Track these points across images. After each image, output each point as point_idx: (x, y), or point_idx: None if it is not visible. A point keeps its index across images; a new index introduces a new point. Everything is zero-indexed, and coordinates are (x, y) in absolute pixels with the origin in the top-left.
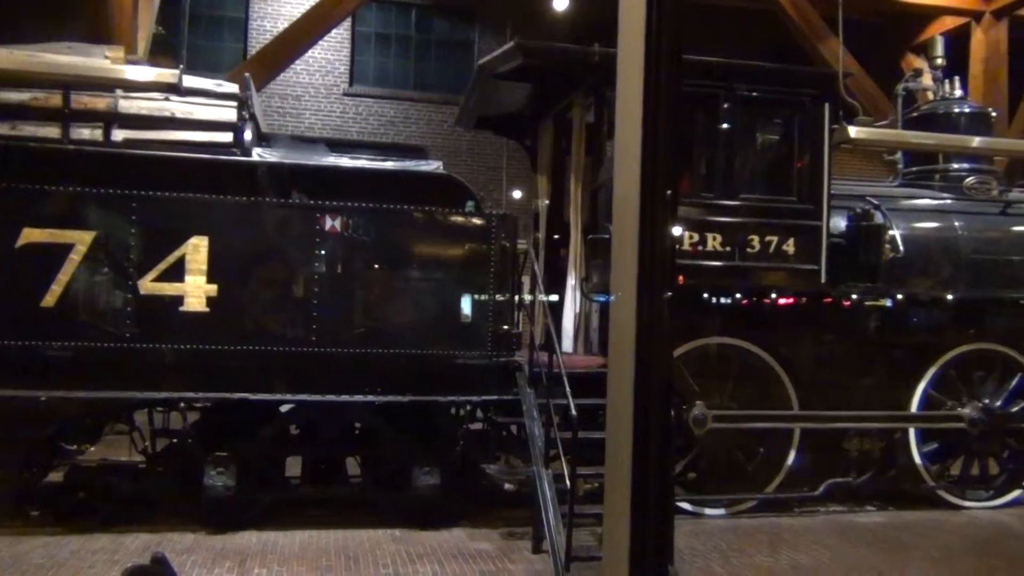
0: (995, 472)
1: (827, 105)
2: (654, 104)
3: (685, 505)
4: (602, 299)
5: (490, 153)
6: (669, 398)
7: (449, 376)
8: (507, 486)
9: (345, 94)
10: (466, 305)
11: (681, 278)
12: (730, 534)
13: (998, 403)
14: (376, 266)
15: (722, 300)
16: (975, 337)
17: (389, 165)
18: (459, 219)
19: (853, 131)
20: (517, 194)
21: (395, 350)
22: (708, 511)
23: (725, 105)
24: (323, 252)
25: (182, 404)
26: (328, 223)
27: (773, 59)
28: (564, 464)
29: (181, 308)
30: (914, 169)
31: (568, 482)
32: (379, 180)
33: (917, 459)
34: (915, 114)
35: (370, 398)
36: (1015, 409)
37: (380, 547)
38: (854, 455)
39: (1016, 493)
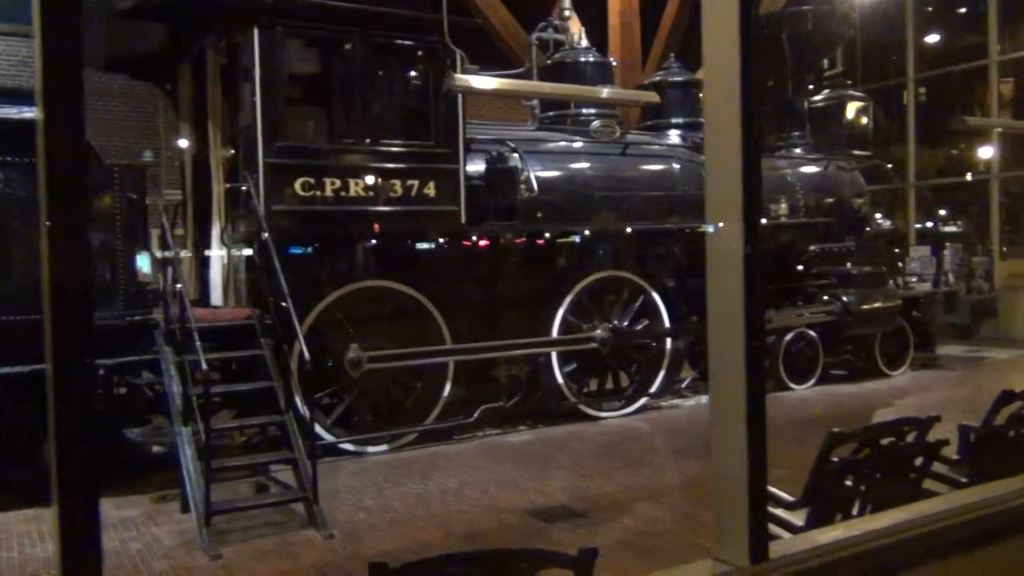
0: (626, 384)
1: (458, 52)
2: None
3: (348, 446)
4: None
5: (148, 97)
6: (86, 345)
7: None
8: (155, 449)
9: None
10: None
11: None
12: (389, 468)
13: (625, 323)
14: None
15: (373, 244)
16: (604, 266)
17: None
18: None
19: (457, 79)
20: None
21: (12, 317)
22: (371, 449)
23: (359, 51)
24: None
25: None
26: None
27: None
28: (199, 420)
29: None
30: (550, 114)
31: (203, 437)
32: None
33: (559, 379)
34: (549, 63)
35: None
36: (639, 327)
37: (6, 529)
38: (504, 381)
39: (643, 400)
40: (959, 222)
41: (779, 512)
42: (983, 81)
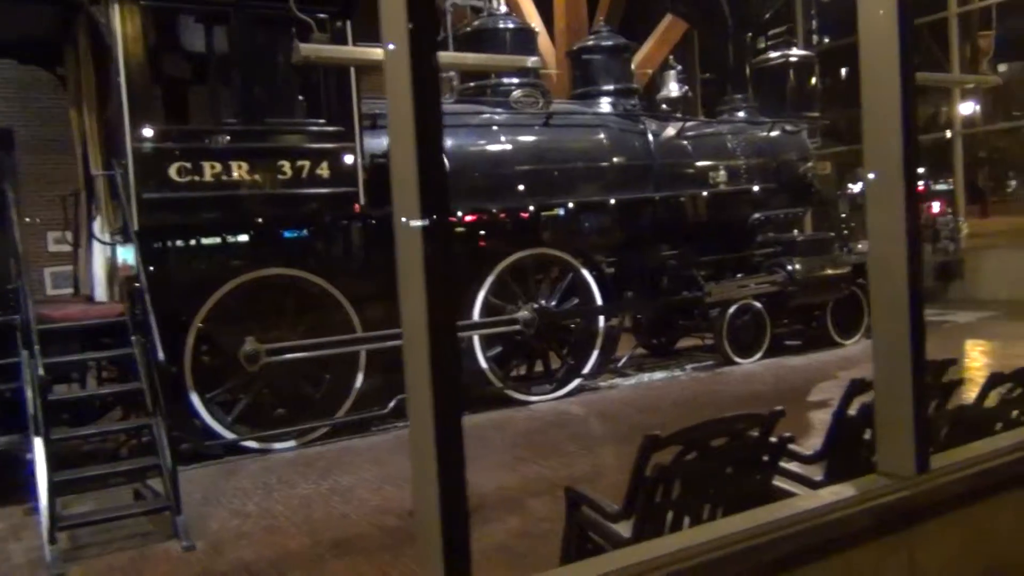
0: (558, 365)
1: (348, 23)
2: None
3: (251, 444)
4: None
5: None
6: None
7: None
8: (29, 456)
9: None
10: None
11: None
12: (290, 466)
13: (553, 302)
14: None
15: (266, 231)
16: (528, 244)
17: None
18: None
19: (304, 49)
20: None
21: None
22: (278, 445)
23: (237, 24)
24: None
25: None
26: None
27: None
28: (39, 425)
29: None
30: (471, 84)
31: (43, 447)
32: None
33: (482, 363)
34: (467, 30)
35: None
36: (566, 306)
37: None
38: None
39: (576, 382)
40: (949, 180)
41: (606, 523)
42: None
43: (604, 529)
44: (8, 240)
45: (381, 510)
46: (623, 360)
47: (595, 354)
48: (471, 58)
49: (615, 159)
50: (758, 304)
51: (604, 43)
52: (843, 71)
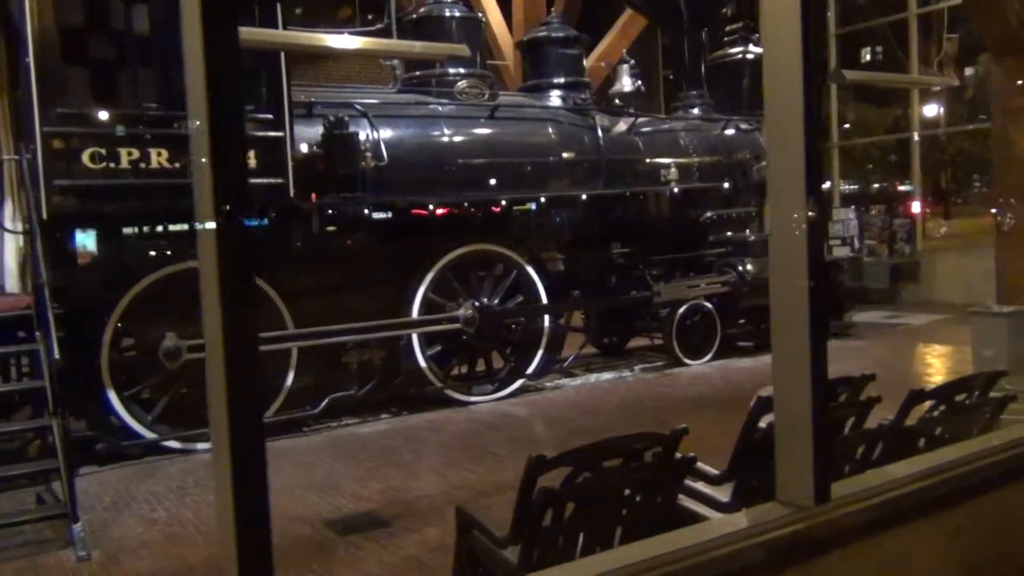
0: (501, 365)
1: (279, 6)
2: None
3: (173, 444)
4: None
5: None
6: None
7: None
8: None
9: None
10: None
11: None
12: (211, 468)
13: (496, 300)
14: None
15: (189, 222)
16: (471, 239)
17: None
18: None
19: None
20: None
21: None
22: (201, 446)
23: (155, 2)
24: None
25: None
26: None
27: None
28: None
29: None
30: (417, 74)
31: None
32: None
33: (421, 362)
34: (414, 16)
35: None
36: (510, 305)
37: None
38: (355, 367)
39: (520, 382)
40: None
41: (495, 549)
42: (932, 36)
43: (493, 556)
44: None
45: (296, 518)
46: (569, 360)
47: (539, 354)
48: (386, 44)
49: (563, 154)
50: (708, 304)
51: (555, 34)
52: None
